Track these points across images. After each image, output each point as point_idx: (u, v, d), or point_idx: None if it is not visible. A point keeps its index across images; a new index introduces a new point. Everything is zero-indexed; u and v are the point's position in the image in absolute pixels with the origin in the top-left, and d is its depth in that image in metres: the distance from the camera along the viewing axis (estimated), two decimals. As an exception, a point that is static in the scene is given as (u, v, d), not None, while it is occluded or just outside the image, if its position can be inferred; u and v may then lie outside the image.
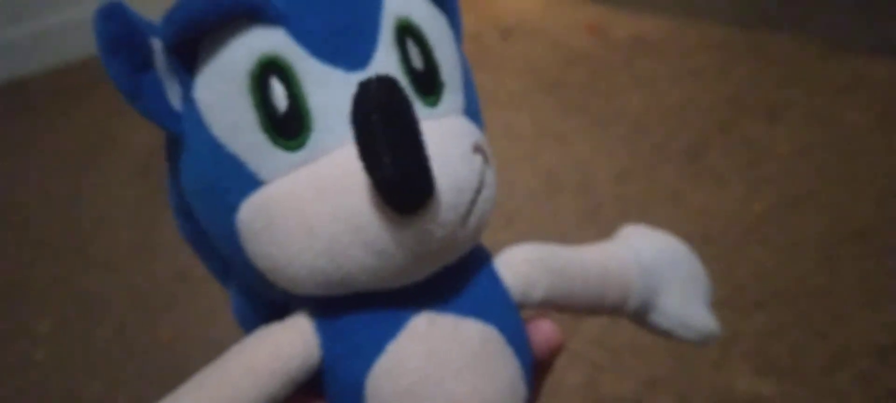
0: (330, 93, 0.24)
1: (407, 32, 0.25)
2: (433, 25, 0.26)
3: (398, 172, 0.21)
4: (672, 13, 1.44)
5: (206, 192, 0.25)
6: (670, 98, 1.23)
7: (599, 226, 1.00)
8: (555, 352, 0.28)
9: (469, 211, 0.25)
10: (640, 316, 0.32)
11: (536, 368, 0.28)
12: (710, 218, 0.99)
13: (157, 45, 0.25)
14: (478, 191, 0.25)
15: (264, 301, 0.29)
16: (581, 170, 1.10)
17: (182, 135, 0.25)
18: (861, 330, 0.82)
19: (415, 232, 0.23)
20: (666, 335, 0.33)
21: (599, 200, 1.04)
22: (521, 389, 0.27)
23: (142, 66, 0.24)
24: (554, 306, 0.29)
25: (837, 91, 1.21)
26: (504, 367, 0.26)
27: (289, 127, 0.24)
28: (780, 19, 1.40)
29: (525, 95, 1.26)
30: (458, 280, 0.26)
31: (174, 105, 0.25)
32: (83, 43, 1.48)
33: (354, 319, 0.25)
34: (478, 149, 0.25)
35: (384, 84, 0.22)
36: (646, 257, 0.32)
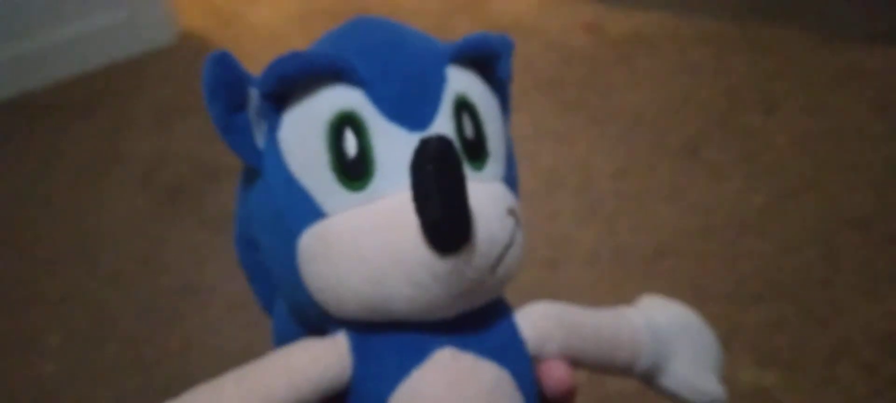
0: (393, 146, 0.28)
1: (463, 107, 0.30)
2: (486, 105, 0.31)
3: (444, 215, 0.26)
4: (667, 8, 1.44)
5: (275, 219, 0.30)
6: (667, 93, 1.24)
7: (599, 223, 1.00)
8: (567, 395, 0.31)
9: (498, 263, 0.28)
10: (648, 377, 0.35)
11: None
12: (709, 212, 1.00)
13: (252, 93, 0.29)
14: (508, 247, 0.29)
15: (306, 322, 0.32)
16: (580, 168, 1.10)
17: (261, 170, 0.30)
18: (862, 319, 0.82)
19: (449, 271, 0.27)
20: (672, 397, 0.35)
21: (599, 197, 1.05)
22: None
23: (237, 108, 0.29)
24: (566, 361, 0.31)
25: (834, 81, 1.21)
26: None
27: (355, 170, 0.28)
28: (775, 11, 1.40)
29: (523, 95, 1.27)
30: (481, 324, 0.30)
31: (258, 144, 0.30)
32: (88, 57, 1.49)
33: (386, 342, 0.29)
34: (512, 212, 0.30)
35: (442, 142, 0.26)
36: (659, 324, 0.34)
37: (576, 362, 0.32)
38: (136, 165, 1.24)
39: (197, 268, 1.01)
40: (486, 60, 0.32)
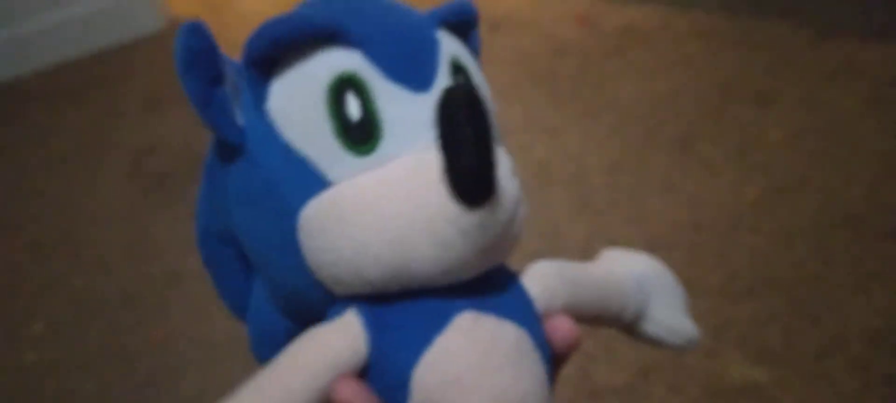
0: (398, 108, 0.27)
1: (459, 69, 0.30)
2: (474, 67, 0.31)
3: (477, 163, 0.25)
4: (661, 2, 1.44)
5: (266, 196, 0.28)
6: (661, 87, 1.23)
7: (592, 217, 1.00)
8: (572, 348, 0.31)
9: (513, 219, 0.28)
10: (633, 325, 0.35)
11: (553, 362, 0.31)
12: (701, 206, 0.99)
13: (228, 67, 0.28)
14: (519, 203, 0.29)
15: (300, 312, 0.31)
16: (573, 162, 1.09)
17: (241, 146, 0.28)
18: (854, 315, 0.82)
19: (477, 224, 0.26)
20: (653, 341, 0.36)
21: (591, 191, 1.04)
22: (547, 386, 0.29)
23: (213, 81, 0.28)
24: (569, 314, 0.31)
25: (828, 76, 1.21)
26: (535, 366, 0.29)
27: (361, 134, 0.27)
28: (769, 5, 1.40)
29: (516, 87, 1.26)
30: (495, 286, 0.29)
31: (238, 120, 0.28)
32: (76, 44, 1.47)
33: (403, 312, 0.28)
34: (514, 172, 0.29)
35: (470, 90, 0.25)
36: (637, 273, 0.36)
37: (575, 315, 0.31)
38: (124, 153, 1.22)
39: (183, 257, 1.00)
40: (464, 28, 0.32)
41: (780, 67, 1.25)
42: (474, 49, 0.33)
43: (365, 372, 0.28)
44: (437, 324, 0.27)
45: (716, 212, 0.98)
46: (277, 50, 0.28)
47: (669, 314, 0.36)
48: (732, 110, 1.16)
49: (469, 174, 0.25)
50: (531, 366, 0.28)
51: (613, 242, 1.04)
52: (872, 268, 0.87)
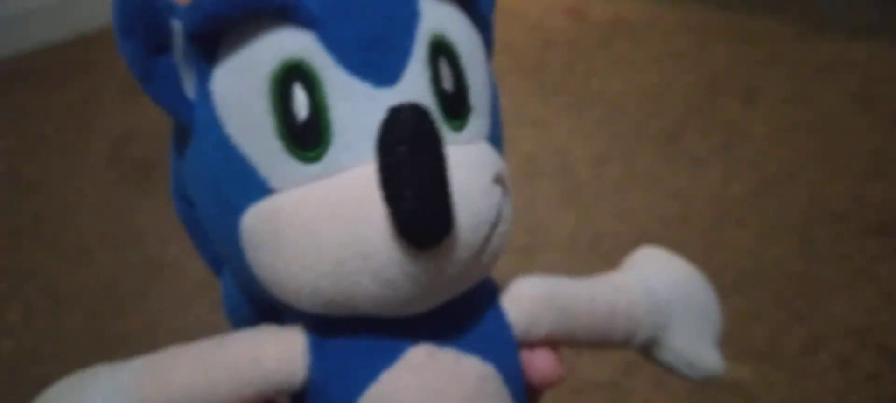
0: (354, 107, 0.23)
1: (441, 51, 0.24)
2: (468, 45, 0.25)
3: (419, 208, 0.21)
4: (651, -5, 1.43)
5: (212, 188, 0.24)
6: (649, 80, 1.23)
7: (577, 210, 0.99)
8: (551, 386, 0.28)
9: (483, 248, 0.24)
10: (644, 350, 0.32)
11: (530, 392, 0.28)
12: (687, 201, 0.99)
13: (177, 27, 0.23)
14: (494, 226, 0.24)
15: (258, 303, 0.28)
16: (559, 154, 1.09)
17: (192, 126, 0.24)
18: (839, 312, 0.82)
19: (426, 268, 0.22)
20: (667, 369, 0.32)
21: (578, 183, 1.03)
22: None
23: (157, 48, 0.23)
24: (556, 342, 0.28)
25: (815, 73, 1.20)
26: None
27: (307, 137, 0.23)
28: (759, 1, 1.40)
29: (503, 78, 1.23)
30: (461, 313, 0.26)
31: (188, 93, 0.24)
32: (58, 27, 1.45)
33: (351, 342, 0.25)
34: (498, 180, 0.25)
35: (416, 114, 0.21)
36: (659, 294, 0.30)
37: (567, 341, 0.28)
38: (103, 139, 1.21)
39: (163, 246, 0.99)
40: None
41: (769, 63, 1.24)
42: (485, 15, 0.27)
43: (305, 395, 0.25)
44: (386, 358, 0.24)
45: (702, 207, 0.97)
46: (218, 24, 0.23)
47: (690, 344, 0.31)
48: (720, 104, 1.16)
49: (408, 222, 0.21)
50: None
51: (599, 236, 1.04)
52: (858, 266, 0.87)
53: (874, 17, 1.31)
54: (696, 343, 0.31)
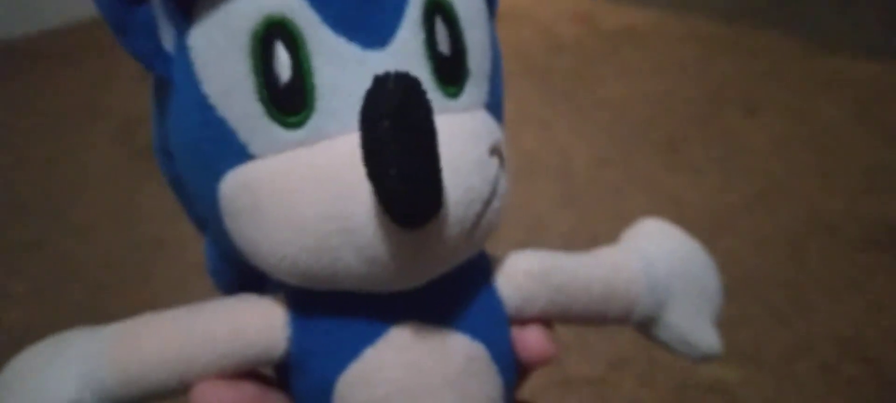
0: (340, 71, 0.21)
1: (437, 10, 0.22)
2: (467, 4, 0.23)
3: (405, 187, 0.19)
4: (661, 5, 1.45)
5: (191, 149, 0.23)
6: (653, 88, 1.24)
7: (576, 210, 1.00)
8: (543, 365, 0.26)
9: (476, 224, 0.22)
10: (642, 328, 0.30)
11: (520, 370, 0.27)
12: (684, 208, 1.00)
13: None
14: (488, 202, 0.23)
15: (241, 265, 0.26)
16: (561, 155, 1.10)
17: (171, 81, 0.23)
18: (824, 320, 0.83)
19: (413, 246, 0.21)
20: (663, 346, 0.31)
21: (577, 185, 1.05)
22: None
23: None
24: (550, 319, 0.27)
25: (817, 88, 1.22)
26: (487, 388, 0.24)
27: (289, 101, 0.21)
28: (766, 15, 1.41)
29: (510, 80, 1.25)
30: (451, 289, 0.24)
31: (166, 46, 0.23)
32: (74, 8, 1.47)
33: (334, 316, 0.23)
34: (495, 151, 0.23)
35: (403, 85, 0.19)
36: (659, 270, 0.29)
37: (562, 319, 0.27)
38: (111, 118, 1.23)
39: (168, 224, 1.01)
40: None
41: (772, 76, 1.26)
42: None
43: (290, 369, 0.24)
44: (370, 335, 0.23)
45: (697, 214, 0.99)
46: None
47: (688, 322, 0.30)
48: (721, 115, 1.17)
49: (394, 198, 0.19)
50: (482, 387, 0.24)
51: (596, 237, 1.06)
52: (847, 276, 0.88)
53: (879, 38, 1.32)
54: (694, 322, 0.30)
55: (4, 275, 0.97)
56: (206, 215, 0.24)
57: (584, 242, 0.99)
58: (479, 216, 0.22)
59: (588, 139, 1.14)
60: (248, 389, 0.24)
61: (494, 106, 0.25)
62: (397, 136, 0.19)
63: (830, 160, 1.07)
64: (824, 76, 1.24)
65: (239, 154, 0.22)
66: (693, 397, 0.75)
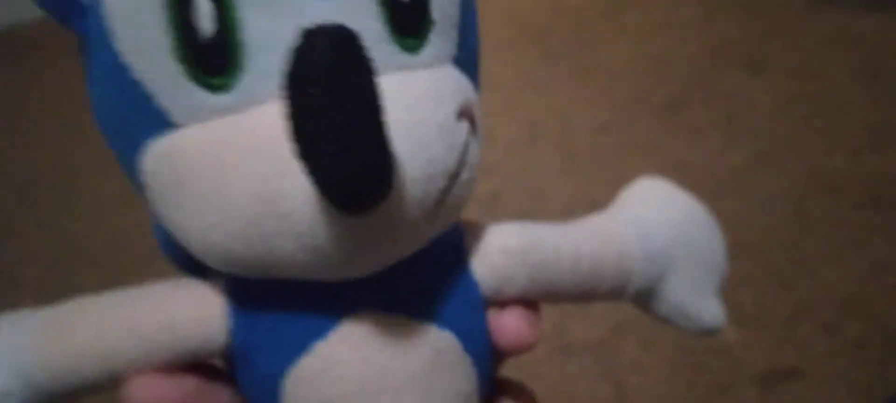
0: (272, 22, 0.18)
1: None
2: None
3: (342, 167, 0.16)
4: (661, -36, 1.43)
5: (111, 115, 0.20)
6: (654, 49, 1.24)
7: (577, 176, 1.01)
8: (522, 352, 0.23)
9: (441, 201, 0.19)
10: (638, 302, 0.28)
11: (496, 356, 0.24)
12: (685, 171, 1.00)
13: None
14: (455, 176, 0.20)
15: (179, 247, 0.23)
16: (561, 121, 1.10)
17: (87, 37, 0.20)
18: (826, 281, 0.83)
19: (361, 232, 0.18)
20: (663, 320, 0.28)
21: (578, 150, 1.05)
22: (473, 400, 0.23)
23: None
24: (532, 299, 0.24)
25: (821, 45, 1.21)
26: (457, 382, 0.22)
27: (213, 60, 0.18)
28: (768, -29, 1.39)
29: (510, 45, 1.26)
30: (416, 272, 0.21)
31: None
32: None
33: (278, 305, 0.21)
34: (464, 113, 0.20)
35: (337, 41, 0.16)
36: (656, 240, 0.26)
37: (547, 298, 0.24)
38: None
39: (175, 206, 1.02)
40: None
41: (774, 34, 1.25)
42: None
43: (234, 360, 0.22)
44: (320, 327, 0.20)
45: (700, 177, 0.99)
46: None
47: (689, 295, 0.27)
48: (723, 75, 1.17)
49: (329, 183, 0.16)
50: (452, 382, 0.22)
51: (597, 203, 1.05)
52: (849, 236, 0.88)
53: (884, -10, 1.31)
54: (695, 294, 0.27)
55: (17, 260, 0.99)
56: (134, 185, 0.21)
57: (586, 209, 0.98)
58: (444, 191, 0.19)
59: (588, 104, 1.13)
60: (188, 383, 0.21)
61: (466, 61, 0.21)
62: (329, 105, 0.16)
63: (834, 118, 1.06)
64: (828, 32, 1.23)
65: (159, 122, 0.18)
66: (695, 360, 0.76)
